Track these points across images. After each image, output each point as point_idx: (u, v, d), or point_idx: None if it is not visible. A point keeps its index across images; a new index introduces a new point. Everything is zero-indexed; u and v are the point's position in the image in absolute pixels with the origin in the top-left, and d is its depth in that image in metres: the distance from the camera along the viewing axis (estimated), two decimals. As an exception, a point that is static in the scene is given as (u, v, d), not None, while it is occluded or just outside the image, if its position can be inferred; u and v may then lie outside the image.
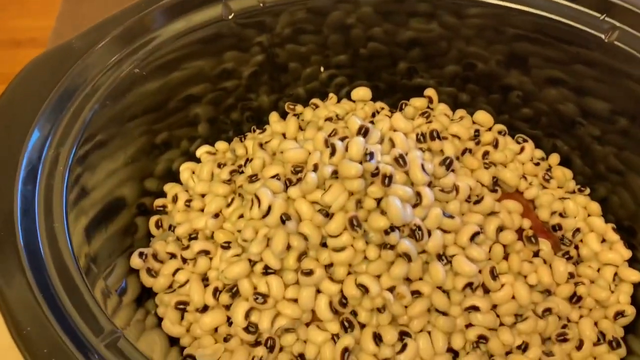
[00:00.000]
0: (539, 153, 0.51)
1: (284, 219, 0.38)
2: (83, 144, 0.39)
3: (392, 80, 0.55)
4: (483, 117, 0.51)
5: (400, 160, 0.39)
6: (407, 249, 0.37)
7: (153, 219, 0.47)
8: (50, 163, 0.37)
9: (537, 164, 0.48)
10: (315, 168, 0.40)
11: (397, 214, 0.36)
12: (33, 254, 0.33)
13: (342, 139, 0.41)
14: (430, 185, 0.40)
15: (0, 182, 0.35)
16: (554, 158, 0.50)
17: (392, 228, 0.37)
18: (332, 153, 0.39)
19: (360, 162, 0.39)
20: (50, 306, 0.31)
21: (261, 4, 0.46)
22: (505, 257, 0.42)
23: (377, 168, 0.38)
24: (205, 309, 0.40)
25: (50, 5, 0.93)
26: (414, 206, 0.38)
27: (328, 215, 0.38)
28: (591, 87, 0.46)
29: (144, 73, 0.43)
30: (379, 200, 0.39)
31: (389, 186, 0.38)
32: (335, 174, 0.39)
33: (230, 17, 0.45)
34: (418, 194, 0.39)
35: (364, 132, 0.41)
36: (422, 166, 0.39)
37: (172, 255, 0.44)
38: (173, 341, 0.41)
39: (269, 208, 0.39)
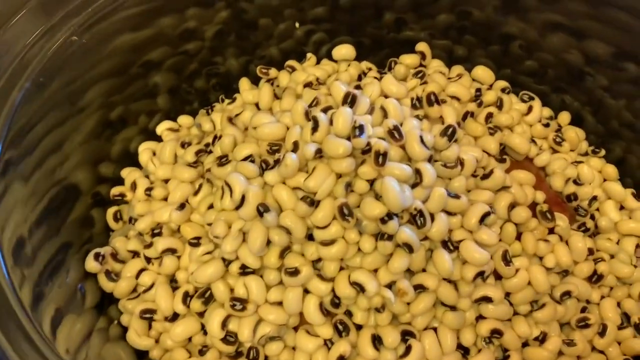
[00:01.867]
0: (547, 111, 0.45)
1: (262, 210, 0.32)
2: (15, 132, 0.32)
3: (378, 34, 0.48)
4: (483, 72, 0.45)
5: (395, 133, 0.33)
6: (408, 239, 0.31)
7: (110, 210, 0.41)
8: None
9: (547, 125, 0.43)
10: (296, 146, 0.34)
11: (395, 198, 0.31)
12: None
13: (326, 110, 0.35)
14: (430, 160, 0.34)
15: None
16: (564, 117, 0.45)
17: (390, 215, 0.31)
18: (315, 128, 0.33)
19: (348, 138, 0.33)
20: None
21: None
22: (518, 235, 0.36)
23: (368, 144, 0.32)
24: (175, 316, 0.35)
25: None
26: (413, 186, 0.33)
27: (313, 204, 0.32)
28: (588, 27, 0.42)
29: (83, 40, 0.36)
30: (372, 181, 0.33)
31: (383, 165, 0.32)
32: (319, 153, 0.33)
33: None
34: (417, 172, 0.33)
35: (350, 100, 0.34)
36: (421, 138, 0.33)
37: (135, 254, 0.38)
38: (141, 354, 0.36)
39: (243, 197, 0.33)
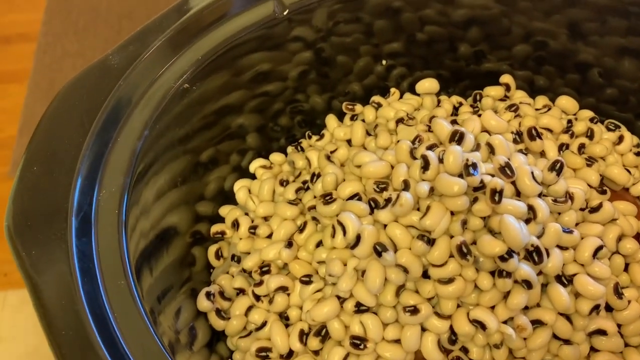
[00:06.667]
0: (635, 139, 0.45)
1: (379, 250, 0.32)
2: (137, 178, 0.34)
3: (457, 66, 0.49)
4: (567, 102, 0.45)
5: (507, 170, 0.33)
6: (527, 276, 0.32)
7: (212, 248, 0.41)
8: (103, 207, 0.31)
9: (638, 154, 0.43)
10: (406, 185, 0.34)
11: (516, 236, 0.31)
12: (103, 326, 0.27)
13: (431, 148, 0.36)
14: (540, 195, 0.34)
15: (52, 239, 0.29)
16: (652, 144, 0.45)
17: (510, 253, 0.32)
18: (425, 167, 0.34)
19: (459, 175, 0.33)
20: (132, 389, 0.26)
21: (319, -6, 0.40)
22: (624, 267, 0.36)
23: (481, 181, 0.33)
24: (290, 354, 0.35)
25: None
26: (526, 222, 0.33)
27: (430, 242, 0.33)
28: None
29: (194, 87, 0.37)
30: (484, 217, 0.33)
31: (499, 203, 0.32)
32: (432, 192, 0.33)
33: (284, 13, 0.39)
34: (530, 208, 0.33)
35: (458, 138, 0.35)
36: (532, 174, 0.34)
37: (241, 291, 0.39)
38: (256, 392, 0.36)
39: (358, 237, 0.33)
